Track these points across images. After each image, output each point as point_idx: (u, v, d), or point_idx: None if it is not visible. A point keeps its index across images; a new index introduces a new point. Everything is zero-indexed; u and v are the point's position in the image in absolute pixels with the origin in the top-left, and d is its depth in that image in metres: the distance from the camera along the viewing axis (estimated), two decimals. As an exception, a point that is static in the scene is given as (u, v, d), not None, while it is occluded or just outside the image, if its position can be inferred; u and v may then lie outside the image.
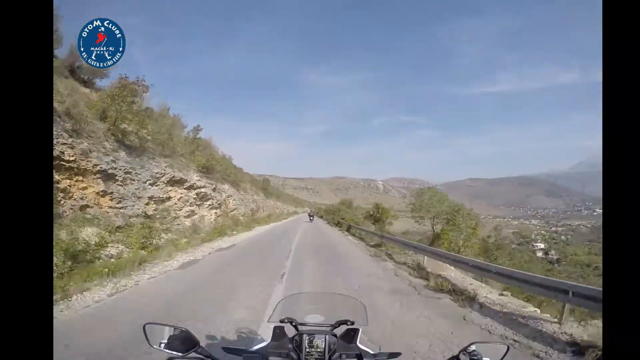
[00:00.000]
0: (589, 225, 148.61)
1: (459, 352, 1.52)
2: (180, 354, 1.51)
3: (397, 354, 1.76)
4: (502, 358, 1.53)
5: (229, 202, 27.96)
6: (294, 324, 1.88)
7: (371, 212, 39.11)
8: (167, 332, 1.58)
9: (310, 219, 49.41)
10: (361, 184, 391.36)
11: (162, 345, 1.55)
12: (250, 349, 1.81)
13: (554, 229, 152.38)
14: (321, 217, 62.69)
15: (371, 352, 1.80)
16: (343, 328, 1.91)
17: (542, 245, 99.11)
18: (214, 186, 23.66)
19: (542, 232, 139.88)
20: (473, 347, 1.52)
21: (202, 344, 1.60)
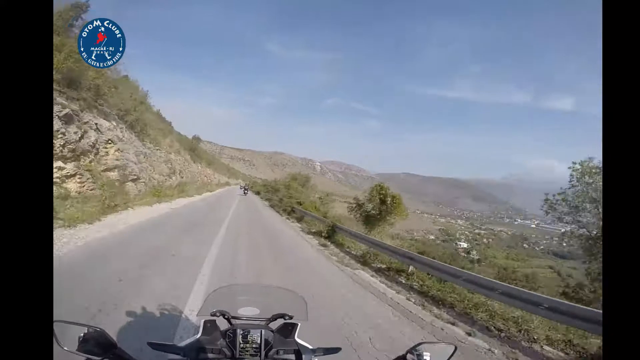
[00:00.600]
0: (509, 233, 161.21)
1: (406, 352, 1.48)
2: (96, 358, 1.31)
3: (337, 349, 1.71)
4: (449, 358, 1.50)
5: (109, 153, 15.93)
6: (226, 317, 1.76)
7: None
8: (80, 332, 1.35)
9: (244, 193, 48.74)
10: (299, 163, 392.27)
11: (74, 346, 1.32)
12: (179, 345, 1.62)
13: (477, 231, 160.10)
14: (257, 193, 54.55)
15: (310, 346, 1.72)
16: (280, 322, 1.81)
17: (464, 245, 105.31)
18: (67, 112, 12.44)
19: (467, 232, 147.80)
20: (420, 347, 1.47)
21: (122, 338, 1.44)
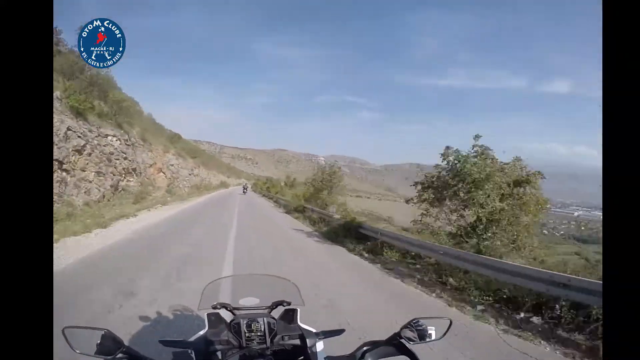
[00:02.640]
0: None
1: (401, 328, 1.50)
2: (108, 357, 1.35)
3: (341, 331, 1.77)
4: (446, 331, 1.53)
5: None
6: (228, 309, 1.82)
7: None
8: (89, 334, 1.41)
9: (243, 191, 50.10)
10: (303, 158, 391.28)
11: (87, 349, 1.37)
12: (188, 340, 1.71)
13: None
14: (263, 196, 50.68)
15: (313, 330, 1.77)
16: (280, 309, 1.86)
17: None
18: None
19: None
20: (417, 322, 1.49)
21: (131, 339, 1.48)
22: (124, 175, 21.31)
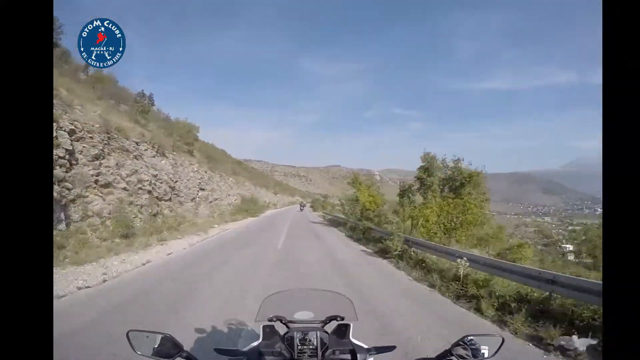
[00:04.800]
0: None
1: (452, 346, 1.52)
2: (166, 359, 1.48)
3: (392, 348, 1.75)
4: (498, 349, 1.53)
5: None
6: (283, 321, 1.86)
7: None
8: (151, 338, 1.54)
9: (300, 209, 50.99)
10: (358, 174, 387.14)
11: (148, 351, 1.52)
12: (243, 349, 1.79)
13: (570, 227, 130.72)
14: (334, 224, 31.46)
15: (365, 346, 1.79)
16: (334, 324, 1.89)
17: (571, 247, 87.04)
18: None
19: (560, 230, 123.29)
20: (468, 340, 1.50)
21: (191, 346, 1.54)
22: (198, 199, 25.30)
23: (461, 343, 1.49)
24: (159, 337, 1.53)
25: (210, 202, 27.21)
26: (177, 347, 1.50)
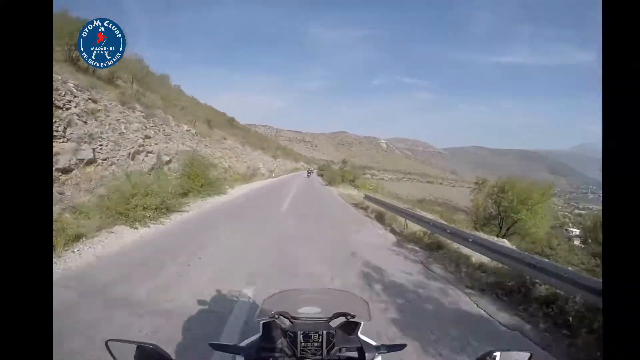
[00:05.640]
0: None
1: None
2: None
3: (402, 346, 1.66)
4: None
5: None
6: (286, 316, 1.69)
7: None
8: (133, 348, 1.33)
9: (308, 175, 48.16)
10: (364, 141, 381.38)
11: None
12: (239, 344, 1.64)
13: (576, 211, 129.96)
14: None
15: (374, 343, 1.67)
16: (342, 320, 1.71)
17: (576, 232, 75.82)
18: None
19: (566, 213, 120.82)
20: (494, 355, 1.37)
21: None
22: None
23: (487, 358, 1.37)
24: (143, 346, 1.33)
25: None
26: (164, 358, 1.34)
